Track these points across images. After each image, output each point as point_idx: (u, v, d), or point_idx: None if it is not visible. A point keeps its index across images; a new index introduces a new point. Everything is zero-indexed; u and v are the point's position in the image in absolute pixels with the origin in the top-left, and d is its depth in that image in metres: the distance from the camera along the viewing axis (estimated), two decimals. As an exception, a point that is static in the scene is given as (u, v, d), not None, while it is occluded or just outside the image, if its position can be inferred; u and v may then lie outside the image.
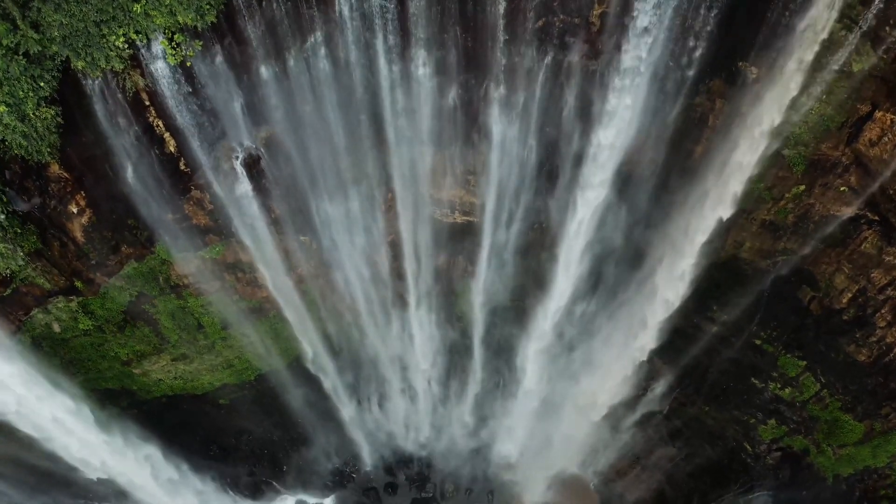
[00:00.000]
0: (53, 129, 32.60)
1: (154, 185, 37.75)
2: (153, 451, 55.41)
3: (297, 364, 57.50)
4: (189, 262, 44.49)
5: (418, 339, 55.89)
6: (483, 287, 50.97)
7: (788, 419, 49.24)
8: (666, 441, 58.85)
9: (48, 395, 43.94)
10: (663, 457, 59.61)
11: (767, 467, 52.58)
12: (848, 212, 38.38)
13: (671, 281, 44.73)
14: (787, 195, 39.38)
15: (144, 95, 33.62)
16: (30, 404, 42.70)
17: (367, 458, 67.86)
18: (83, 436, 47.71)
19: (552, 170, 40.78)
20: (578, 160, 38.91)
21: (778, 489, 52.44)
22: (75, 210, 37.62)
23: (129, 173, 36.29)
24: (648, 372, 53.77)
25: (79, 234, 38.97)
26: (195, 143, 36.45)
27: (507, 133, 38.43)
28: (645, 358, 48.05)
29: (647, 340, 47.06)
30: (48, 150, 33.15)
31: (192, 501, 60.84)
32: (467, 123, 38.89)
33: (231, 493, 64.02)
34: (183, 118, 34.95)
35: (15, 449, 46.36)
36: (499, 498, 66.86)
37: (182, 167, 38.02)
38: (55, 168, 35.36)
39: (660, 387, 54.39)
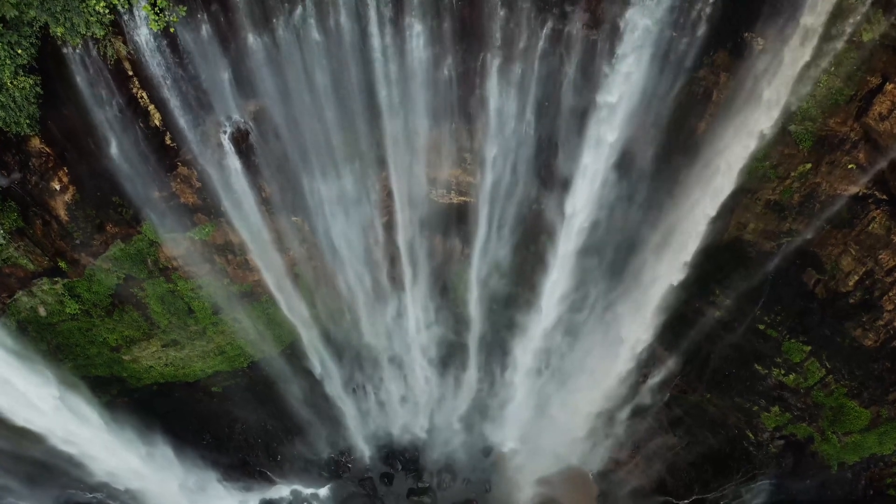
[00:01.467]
0: (32, 100, 31.34)
1: (139, 161, 36.47)
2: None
3: (290, 351, 56.39)
4: (178, 243, 43.25)
5: (413, 324, 54.80)
6: (480, 272, 49.92)
7: (792, 406, 48.14)
8: (666, 430, 57.77)
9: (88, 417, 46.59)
10: (663, 446, 58.52)
11: (770, 456, 51.52)
12: (855, 190, 37.12)
13: (672, 264, 43.64)
14: (792, 174, 38.27)
15: (127, 64, 32.31)
16: (75, 430, 45.36)
17: (363, 447, 66.75)
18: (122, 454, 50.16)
19: (551, 146, 39.58)
20: (578, 135, 37.63)
21: (781, 478, 51.42)
22: (58, 187, 36.37)
23: (113, 148, 34.99)
24: (648, 359, 52.68)
25: (62, 212, 37.73)
26: (181, 117, 35.13)
27: (504, 107, 37.22)
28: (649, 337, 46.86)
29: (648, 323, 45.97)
30: (27, 121, 31.89)
31: (183, 491, 59.81)
32: (463, 97, 37.70)
33: (225, 482, 62.92)
34: (168, 89, 33.62)
35: (11, 441, 45.14)
36: (496, 488, 65.81)
37: (168, 142, 36.73)
38: (36, 142, 34.11)
39: (660, 374, 53.27)
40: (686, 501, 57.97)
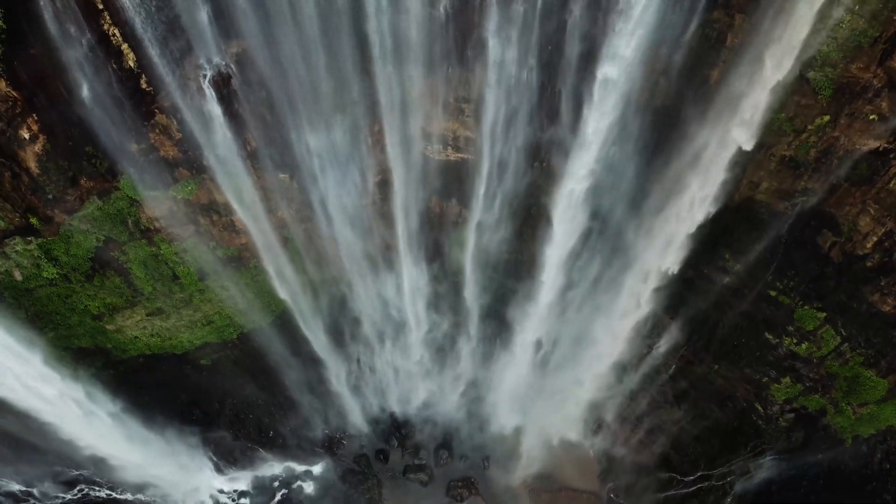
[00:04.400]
0: (-6, 34, 28.95)
1: (113, 107, 34.04)
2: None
3: (281, 322, 54.26)
4: (159, 202, 40.97)
5: (409, 293, 52.61)
6: (478, 236, 47.63)
7: (804, 377, 46.19)
8: (671, 403, 55.86)
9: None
10: (668, 420, 56.61)
11: (780, 429, 49.60)
12: (876, 145, 34.96)
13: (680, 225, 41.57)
14: (809, 126, 36.24)
15: (96, -4, 29.94)
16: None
17: (358, 423, 64.91)
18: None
19: (555, 95, 37.23)
20: (584, 83, 35.31)
21: (790, 452, 49.37)
22: (27, 135, 33.98)
23: (85, 92, 32.58)
24: (653, 328, 50.61)
25: (33, 164, 35.36)
26: (157, 58, 32.73)
27: (504, 51, 34.88)
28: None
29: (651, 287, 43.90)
30: (-12, 57, 29.50)
31: (173, 468, 58.02)
32: (460, 39, 35.35)
33: (215, 459, 61.09)
34: (142, 26, 31.24)
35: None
36: (495, 465, 64.02)
37: (144, 86, 34.33)
38: (1, 84, 31.72)
39: (665, 344, 51.20)
40: (691, 478, 55.99)
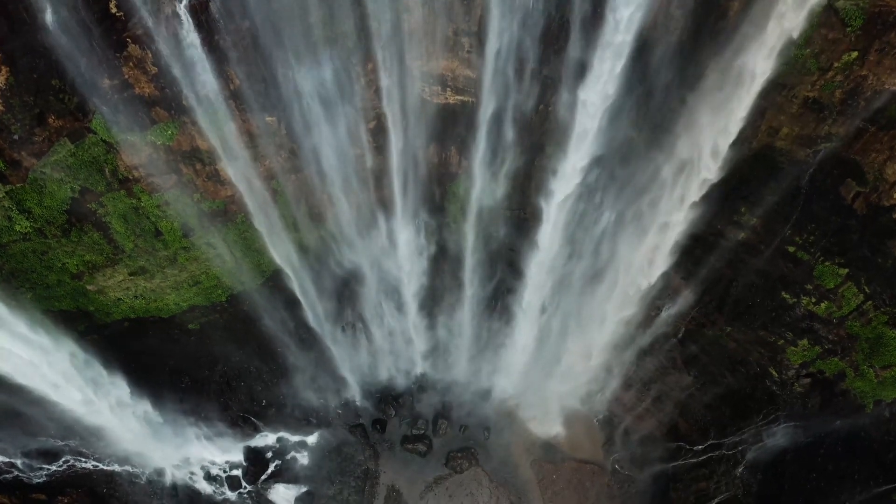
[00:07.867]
0: (-57, -56, 26.10)
1: (80, 35, 31.22)
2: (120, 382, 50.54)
3: (272, 284, 51.77)
4: (137, 148, 38.27)
5: (405, 250, 49.90)
6: (479, 188, 44.98)
7: (823, 339, 43.89)
8: (680, 369, 53.50)
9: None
10: (676, 386, 54.29)
11: (795, 395, 47.34)
12: (907, 85, 32.31)
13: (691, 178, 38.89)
14: (836, 64, 33.64)
15: None
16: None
17: (354, 392, 62.72)
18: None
19: (562, 26, 34.35)
20: (593, 15, 32.47)
21: (807, 419, 46.99)
22: (-12, 67, 31.21)
23: (48, 16, 29.77)
24: (663, 289, 48.07)
25: (-5, 101, 32.61)
26: (127, -23, 29.91)
27: (508, -27, 31.98)
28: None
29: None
30: (-64, -28, 26.67)
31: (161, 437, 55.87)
32: (460, -41, 32.46)
33: (205, 429, 58.92)
34: (108, -61, 28.37)
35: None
36: (495, 435, 61.94)
37: (113, 10, 31.44)
38: (-45, 8, 28.92)
39: (675, 305, 48.68)
40: (700, 447, 53.74)
